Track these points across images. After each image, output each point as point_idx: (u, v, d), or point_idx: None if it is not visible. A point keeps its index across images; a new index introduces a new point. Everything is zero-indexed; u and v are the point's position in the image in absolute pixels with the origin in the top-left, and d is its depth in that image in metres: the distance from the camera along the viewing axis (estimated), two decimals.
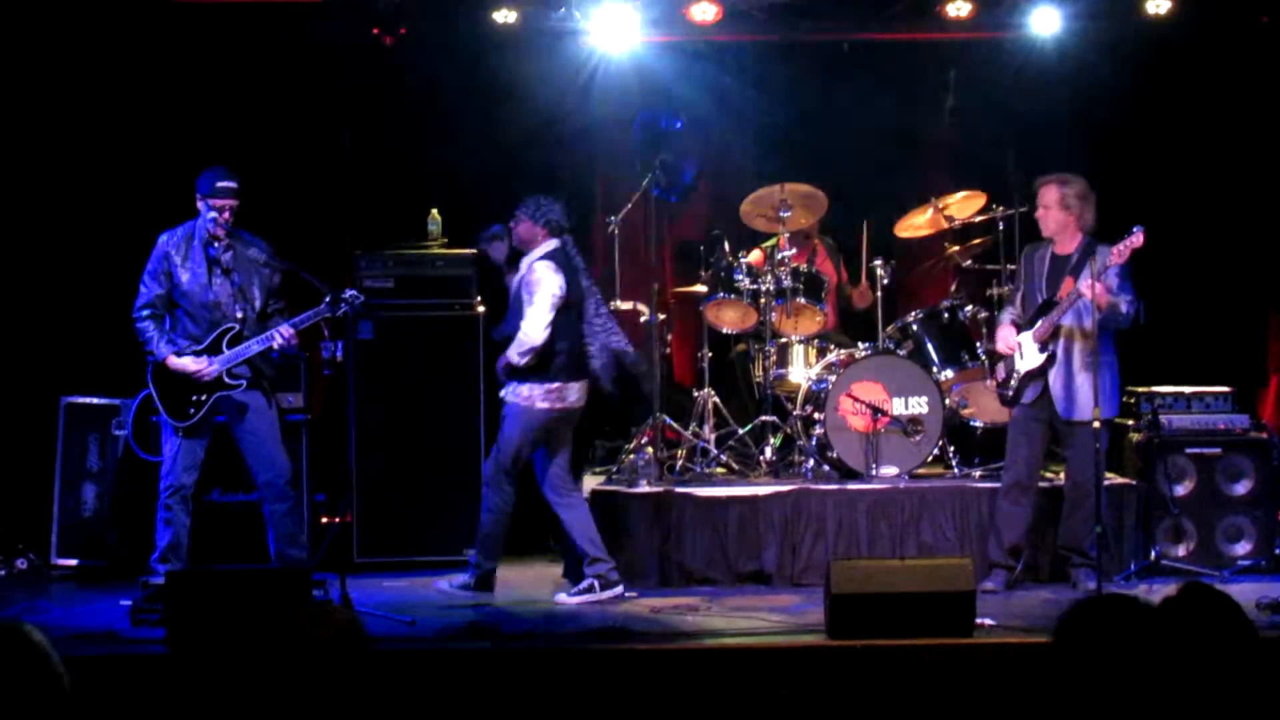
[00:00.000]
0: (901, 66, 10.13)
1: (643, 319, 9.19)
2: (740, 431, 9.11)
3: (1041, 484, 8.16)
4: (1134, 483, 8.42)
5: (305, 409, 8.95)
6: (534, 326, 7.75)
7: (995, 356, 8.23)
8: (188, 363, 7.58)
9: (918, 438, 8.61)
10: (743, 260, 9.13)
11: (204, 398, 7.59)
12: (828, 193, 9.36)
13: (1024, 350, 7.94)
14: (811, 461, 8.76)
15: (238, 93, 9.57)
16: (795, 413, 8.96)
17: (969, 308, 9.11)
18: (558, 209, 7.92)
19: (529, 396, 7.80)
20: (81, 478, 8.92)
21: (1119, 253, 7.56)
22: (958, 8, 9.60)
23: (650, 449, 8.73)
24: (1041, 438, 8.00)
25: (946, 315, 9.06)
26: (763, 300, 9.05)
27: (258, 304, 7.70)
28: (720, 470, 9.02)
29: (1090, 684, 3.09)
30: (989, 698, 6.19)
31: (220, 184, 7.60)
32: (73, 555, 8.84)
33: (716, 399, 9.17)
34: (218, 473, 8.29)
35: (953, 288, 9.46)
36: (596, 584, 7.81)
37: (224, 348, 7.59)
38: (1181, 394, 8.75)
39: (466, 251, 9.05)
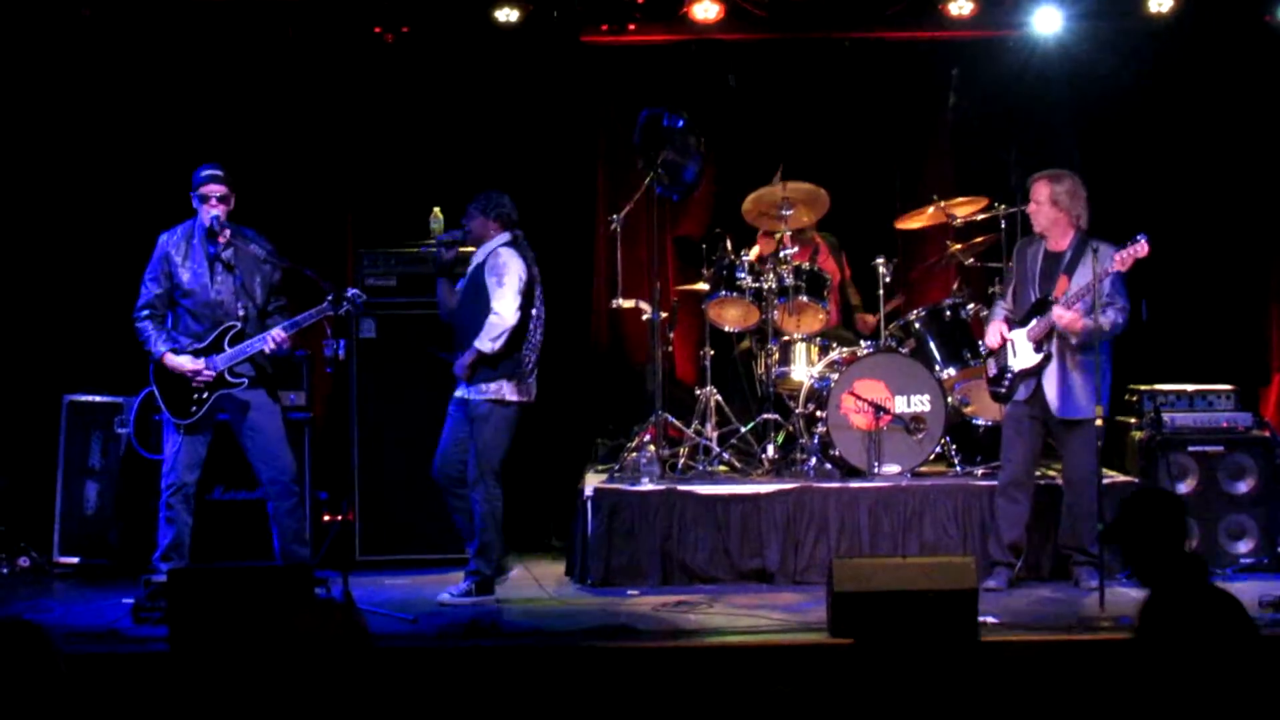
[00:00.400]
0: (904, 65, 10.14)
1: (645, 317, 9.19)
2: (742, 430, 9.11)
3: (1039, 481, 8.17)
4: (1136, 481, 8.42)
5: (308, 407, 8.96)
6: (506, 308, 7.71)
7: (990, 352, 8.23)
8: (184, 362, 7.57)
9: (920, 436, 8.61)
10: (745, 258, 9.13)
11: (206, 396, 7.59)
12: (830, 191, 9.36)
13: (1017, 348, 7.95)
14: (814, 460, 8.76)
15: (241, 91, 9.59)
16: (797, 411, 8.96)
17: (971, 306, 9.10)
18: (508, 203, 7.94)
19: (498, 391, 7.74)
20: (84, 476, 8.92)
21: (1121, 260, 7.57)
22: (960, 6, 9.61)
23: (652, 447, 8.73)
24: (1036, 434, 8.01)
25: (949, 313, 9.06)
26: (765, 298, 9.06)
27: (259, 301, 7.70)
28: (722, 468, 9.02)
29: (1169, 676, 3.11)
30: (992, 695, 6.18)
31: (205, 173, 7.61)
32: (75, 553, 8.84)
33: (719, 397, 9.18)
34: (220, 470, 8.30)
35: (955, 286, 9.47)
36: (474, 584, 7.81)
37: (225, 346, 7.59)
38: (1184, 392, 8.75)
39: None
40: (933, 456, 8.77)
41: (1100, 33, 9.63)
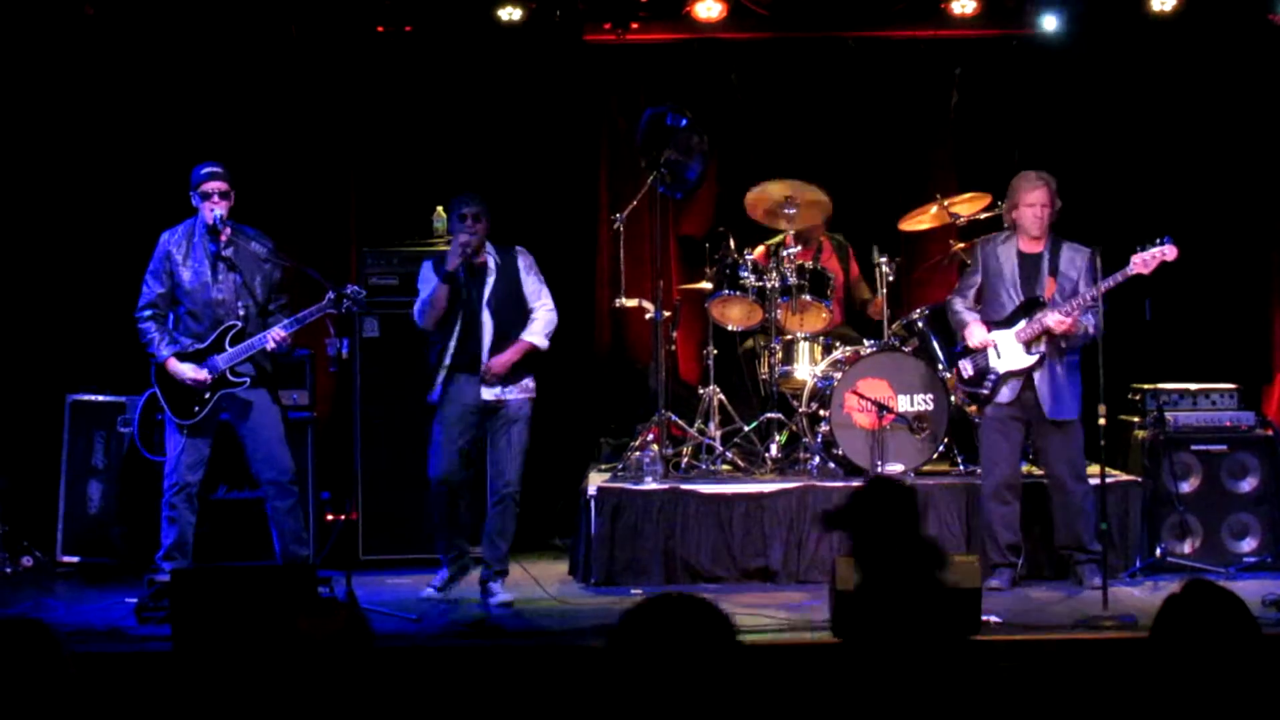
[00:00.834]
0: (906, 64, 10.13)
1: (648, 316, 9.19)
2: (746, 429, 9.11)
3: (1025, 480, 8.14)
4: (1139, 479, 8.41)
5: (310, 406, 8.95)
6: (553, 306, 7.85)
7: (965, 353, 8.16)
8: (186, 370, 7.56)
9: (923, 435, 8.60)
10: (747, 257, 9.13)
11: (208, 395, 7.59)
12: (833, 191, 9.36)
13: (1002, 349, 7.92)
14: (817, 459, 8.76)
15: (243, 89, 9.59)
16: (801, 410, 8.95)
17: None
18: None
19: (532, 387, 7.83)
20: (87, 475, 8.93)
21: (1144, 263, 7.56)
22: (963, 5, 9.61)
23: (655, 446, 8.73)
24: (1020, 435, 8.00)
25: None
26: (768, 297, 9.06)
27: (260, 300, 7.70)
28: (726, 467, 9.01)
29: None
30: (995, 695, 6.17)
31: (205, 171, 7.60)
32: (78, 552, 8.85)
33: (722, 396, 9.17)
34: (223, 470, 8.29)
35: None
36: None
37: (226, 345, 7.59)
38: (1187, 391, 8.74)
39: None
40: (936, 455, 8.76)
41: (1103, 32, 9.63)
